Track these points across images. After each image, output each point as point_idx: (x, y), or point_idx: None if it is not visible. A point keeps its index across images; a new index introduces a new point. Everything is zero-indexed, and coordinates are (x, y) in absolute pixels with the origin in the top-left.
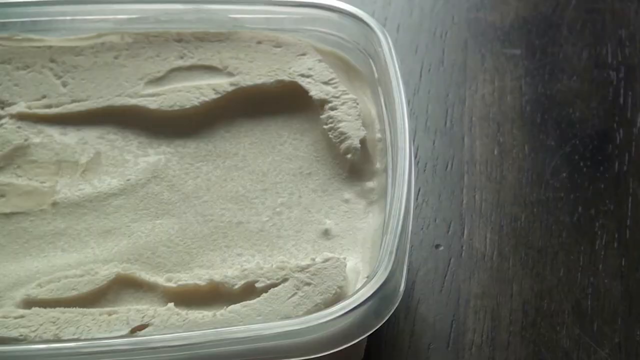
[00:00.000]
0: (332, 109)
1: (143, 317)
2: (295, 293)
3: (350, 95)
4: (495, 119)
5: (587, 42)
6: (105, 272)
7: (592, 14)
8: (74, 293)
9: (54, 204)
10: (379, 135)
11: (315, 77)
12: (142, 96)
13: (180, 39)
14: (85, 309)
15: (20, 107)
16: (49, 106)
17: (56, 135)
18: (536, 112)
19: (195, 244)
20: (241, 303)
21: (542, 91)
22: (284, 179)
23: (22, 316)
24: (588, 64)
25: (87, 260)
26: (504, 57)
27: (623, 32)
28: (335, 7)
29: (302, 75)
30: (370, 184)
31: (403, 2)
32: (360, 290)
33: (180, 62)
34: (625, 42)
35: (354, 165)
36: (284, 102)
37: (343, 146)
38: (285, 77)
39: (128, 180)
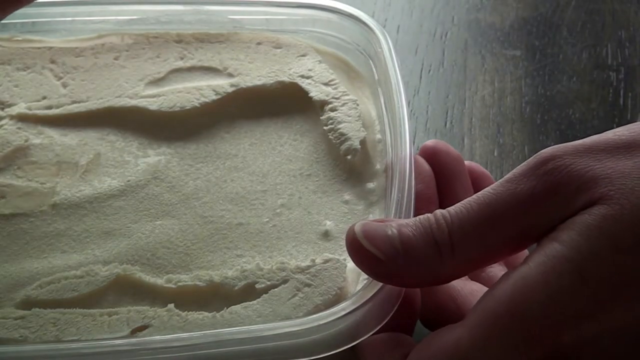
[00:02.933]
0: (332, 110)
1: (143, 318)
2: (296, 294)
3: (351, 97)
4: (495, 120)
5: (587, 43)
6: (106, 273)
7: (592, 15)
8: (74, 294)
9: (54, 205)
10: (379, 136)
11: (316, 78)
12: (142, 97)
13: (180, 40)
14: (85, 310)
15: (21, 108)
16: (49, 107)
17: (56, 136)
18: (536, 113)
19: (195, 245)
20: (241, 304)
21: (542, 92)
22: (284, 180)
23: (22, 317)
24: (588, 65)
25: (87, 261)
26: (504, 58)
27: (623, 33)
28: (335, 8)
29: (302, 76)
30: (370, 185)
31: (403, 3)
32: (361, 292)
33: (181, 63)
34: (625, 43)
35: (354, 167)
36: (284, 103)
37: (343, 147)
38: (286, 78)
39: (128, 181)
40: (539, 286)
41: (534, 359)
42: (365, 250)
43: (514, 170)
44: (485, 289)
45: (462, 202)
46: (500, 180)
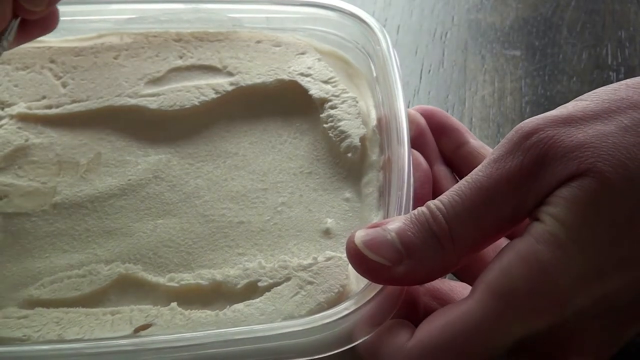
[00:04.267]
0: (332, 107)
1: (146, 316)
2: (298, 292)
3: (350, 94)
4: (496, 120)
5: (587, 43)
6: (108, 273)
7: (592, 15)
8: (77, 293)
9: (55, 205)
10: (378, 133)
11: (315, 76)
12: (142, 96)
13: (179, 38)
14: (88, 309)
15: (21, 108)
16: (49, 107)
17: (56, 135)
18: (536, 113)
19: (197, 244)
20: (244, 302)
21: (542, 92)
22: (285, 178)
23: (25, 316)
24: (588, 65)
25: (89, 260)
26: (504, 58)
27: (623, 33)
28: (334, 6)
29: (302, 74)
30: (370, 183)
31: (403, 3)
32: (363, 291)
33: (180, 62)
34: (625, 43)
35: (354, 164)
36: (283, 101)
37: (343, 145)
38: (285, 76)
39: (129, 180)
40: (550, 265)
41: (542, 328)
42: (370, 261)
43: (498, 149)
44: (464, 284)
45: (453, 188)
46: (487, 161)
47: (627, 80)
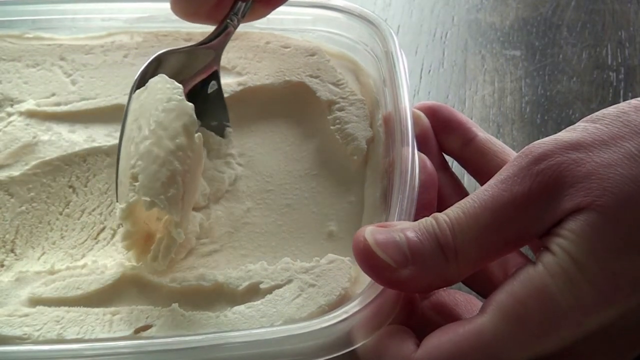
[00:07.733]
0: (340, 109)
1: (147, 317)
2: (300, 294)
3: (358, 96)
4: (496, 120)
5: (587, 43)
6: (111, 272)
7: (592, 15)
8: (79, 292)
9: None
10: (384, 136)
11: (324, 78)
12: None
13: (190, 38)
14: (89, 309)
15: (30, 105)
16: (58, 104)
17: (64, 133)
18: (536, 113)
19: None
20: (245, 304)
21: (542, 92)
22: (290, 180)
23: (26, 315)
24: (588, 65)
25: (93, 259)
26: (504, 58)
27: (623, 33)
28: (343, 8)
29: (310, 76)
30: (374, 186)
31: (403, 3)
32: (363, 295)
33: None
34: (625, 43)
35: (360, 167)
36: (291, 103)
37: (349, 147)
38: (294, 78)
39: None
40: (562, 299)
41: (552, 351)
42: (378, 259)
43: (506, 169)
44: (468, 299)
45: (459, 204)
46: (494, 181)
47: (635, 100)
